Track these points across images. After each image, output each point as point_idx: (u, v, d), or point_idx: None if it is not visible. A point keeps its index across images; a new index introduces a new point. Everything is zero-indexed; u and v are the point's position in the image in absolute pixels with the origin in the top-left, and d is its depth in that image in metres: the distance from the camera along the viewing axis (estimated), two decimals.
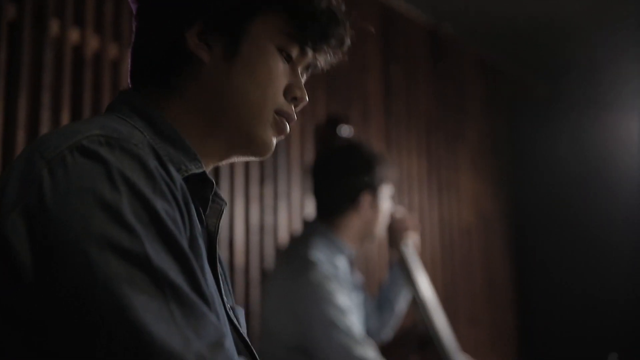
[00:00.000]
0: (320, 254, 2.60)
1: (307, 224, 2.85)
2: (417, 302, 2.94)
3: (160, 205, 1.00)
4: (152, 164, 1.03)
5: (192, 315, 0.96)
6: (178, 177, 1.09)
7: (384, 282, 3.10)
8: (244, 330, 1.28)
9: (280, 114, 1.23)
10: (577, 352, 4.68)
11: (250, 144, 1.23)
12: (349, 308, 2.57)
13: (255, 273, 3.26)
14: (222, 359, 0.94)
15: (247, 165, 3.31)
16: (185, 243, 1.02)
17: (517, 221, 5.15)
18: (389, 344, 3.03)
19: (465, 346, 4.54)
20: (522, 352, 4.99)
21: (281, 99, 1.23)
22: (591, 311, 4.75)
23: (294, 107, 1.26)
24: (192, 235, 1.07)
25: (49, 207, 0.96)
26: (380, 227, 2.77)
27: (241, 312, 1.31)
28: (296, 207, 3.52)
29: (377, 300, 3.00)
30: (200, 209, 1.19)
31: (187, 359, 0.92)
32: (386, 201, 2.76)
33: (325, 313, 2.52)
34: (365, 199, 2.69)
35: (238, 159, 1.28)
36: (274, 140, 1.25)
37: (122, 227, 0.96)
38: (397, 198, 4.16)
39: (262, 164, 3.38)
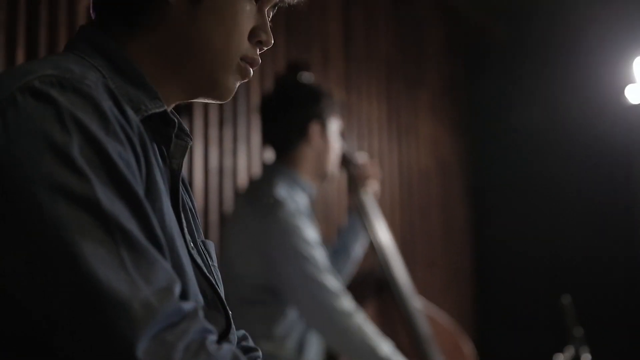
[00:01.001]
0: (283, 192, 2.61)
1: (266, 166, 2.86)
2: (374, 248, 2.97)
3: (112, 147, 0.98)
4: (106, 104, 1.01)
5: (142, 260, 0.95)
6: (134, 118, 1.07)
7: (341, 228, 3.12)
8: (215, 263, 1.29)
9: (245, 59, 1.22)
10: (532, 295, 4.77)
11: (213, 89, 1.22)
12: (317, 242, 2.59)
13: (214, 216, 3.26)
14: (170, 306, 0.94)
15: (205, 107, 3.29)
16: (138, 187, 1.01)
17: (476, 166, 5.20)
18: (347, 288, 3.06)
19: (422, 289, 4.60)
20: (478, 294, 5.07)
21: (246, 44, 1.21)
22: (546, 254, 4.83)
23: (259, 51, 1.24)
24: (150, 178, 1.06)
25: None
26: (332, 161, 2.78)
27: (211, 246, 1.31)
28: (255, 151, 3.51)
29: (334, 247, 3.02)
30: (163, 147, 1.18)
31: (133, 305, 0.91)
32: (335, 135, 2.77)
33: (293, 247, 2.53)
34: (315, 129, 2.69)
35: (199, 100, 1.27)
36: (237, 85, 1.23)
37: (72, 170, 0.94)
38: (357, 143, 4.17)
39: (221, 107, 3.37)
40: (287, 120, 2.72)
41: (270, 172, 2.73)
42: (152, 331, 0.91)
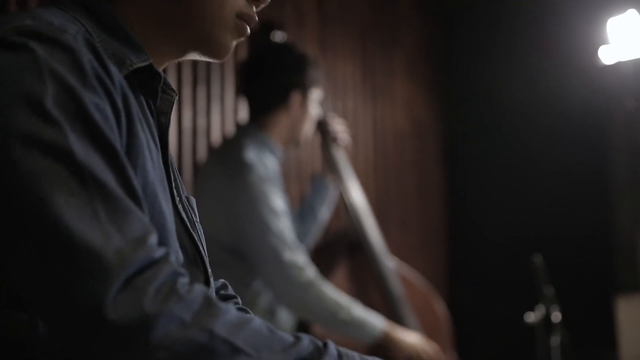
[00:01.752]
0: (253, 155, 2.61)
1: (239, 127, 2.85)
2: (346, 206, 2.98)
3: (89, 98, 0.97)
4: (86, 57, 1.00)
5: (116, 211, 0.94)
6: (116, 72, 1.06)
7: (309, 191, 3.13)
8: (197, 219, 1.29)
9: (241, 16, 1.19)
10: (505, 255, 4.81)
11: (210, 48, 1.20)
12: (283, 211, 2.59)
13: (187, 175, 3.26)
14: (143, 255, 0.93)
15: (179, 66, 3.27)
16: (115, 139, 1.00)
17: (451, 127, 5.20)
18: (319, 249, 3.08)
19: (395, 249, 4.62)
20: (452, 254, 5.10)
21: (241, 1, 1.19)
22: (519, 215, 4.86)
23: (255, 8, 1.22)
24: (132, 132, 1.05)
25: None
26: (307, 130, 2.78)
27: (194, 202, 1.31)
28: (229, 110, 3.50)
29: (301, 209, 3.02)
30: (150, 102, 1.17)
31: (106, 254, 0.91)
32: (315, 105, 2.77)
33: (259, 214, 2.54)
34: (295, 98, 2.69)
35: (192, 58, 1.25)
36: (233, 44, 1.22)
37: (46, 120, 0.94)
38: (332, 103, 4.16)
39: (194, 66, 3.35)
40: (269, 85, 2.71)
41: (242, 133, 2.73)
42: (122, 279, 0.91)
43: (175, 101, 1.24)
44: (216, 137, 3.41)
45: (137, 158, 1.05)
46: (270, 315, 2.65)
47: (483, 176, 5.06)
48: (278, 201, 2.58)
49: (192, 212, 1.27)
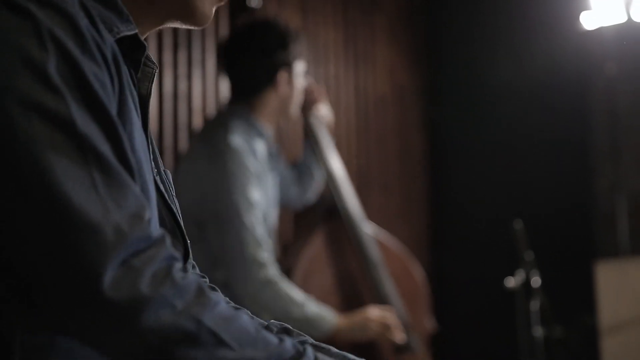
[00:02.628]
0: (239, 139, 2.59)
1: (225, 106, 2.82)
2: (324, 173, 2.98)
3: (89, 67, 0.97)
4: (83, 22, 0.99)
5: (115, 184, 0.94)
6: (109, 38, 1.05)
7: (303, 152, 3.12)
8: (174, 193, 1.28)
9: None
10: (485, 220, 4.82)
11: (190, 14, 1.20)
12: (259, 204, 2.58)
13: (169, 141, 3.25)
14: (140, 231, 0.93)
15: (160, 31, 3.24)
16: (113, 109, 1.00)
17: (433, 93, 5.20)
18: (298, 216, 3.08)
19: (376, 215, 4.63)
20: (432, 220, 5.12)
21: None
22: (500, 181, 4.88)
23: None
24: (122, 100, 1.04)
25: None
26: (296, 104, 2.77)
27: (170, 176, 1.31)
28: (210, 75, 3.48)
29: (297, 168, 3.02)
30: (132, 71, 1.15)
31: (104, 229, 0.91)
32: (300, 78, 2.75)
33: (234, 204, 2.53)
34: (283, 77, 2.67)
35: (173, 26, 1.24)
36: (213, 10, 1.22)
37: (48, 87, 0.93)
38: (313, 69, 4.15)
39: (175, 31, 3.32)
40: (254, 67, 2.68)
41: (229, 114, 2.70)
42: (120, 256, 0.91)
43: (156, 71, 1.23)
44: (197, 102, 3.39)
45: (125, 125, 1.04)
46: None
47: (464, 142, 5.07)
48: (255, 193, 2.57)
49: (169, 185, 1.27)
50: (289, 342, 1.01)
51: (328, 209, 3.00)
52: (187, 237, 1.23)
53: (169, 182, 1.27)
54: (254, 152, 2.60)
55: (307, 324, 2.57)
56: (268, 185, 2.69)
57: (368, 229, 3.02)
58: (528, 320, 2.74)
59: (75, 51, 0.96)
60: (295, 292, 2.59)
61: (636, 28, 4.13)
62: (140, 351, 0.93)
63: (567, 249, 4.52)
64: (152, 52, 3.16)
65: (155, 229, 0.98)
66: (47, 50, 0.94)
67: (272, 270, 2.55)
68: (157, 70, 1.22)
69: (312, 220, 3.00)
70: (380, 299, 2.84)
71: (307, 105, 2.98)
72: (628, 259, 3.98)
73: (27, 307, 0.97)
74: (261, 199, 2.60)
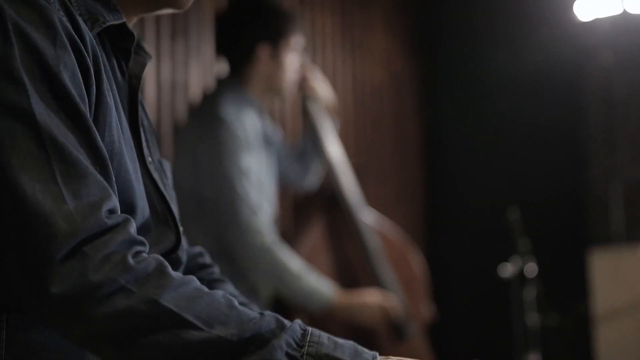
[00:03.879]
0: (229, 110, 2.60)
1: (219, 81, 2.84)
2: (323, 160, 2.98)
3: (55, 58, 0.97)
4: (56, 15, 0.99)
5: (73, 174, 0.94)
6: (87, 31, 1.05)
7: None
8: (169, 182, 1.29)
9: None
10: (481, 208, 4.84)
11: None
12: (252, 171, 2.59)
13: (166, 129, 3.25)
14: (95, 220, 0.93)
15: (157, 19, 3.24)
16: (82, 99, 0.99)
17: (430, 81, 5.20)
18: (296, 203, 3.08)
19: (373, 203, 4.63)
20: (429, 208, 5.12)
21: None
22: (495, 169, 4.89)
23: None
24: (100, 91, 1.04)
25: None
26: (286, 80, 2.76)
27: (167, 166, 1.31)
28: (208, 63, 3.48)
29: (299, 148, 3.02)
30: (122, 62, 1.16)
31: (56, 219, 0.91)
32: (290, 54, 2.74)
33: (225, 172, 2.54)
34: (262, 51, 2.67)
35: (159, 13, 1.25)
36: None
37: (9, 80, 0.93)
38: (311, 57, 4.14)
39: (173, 19, 3.32)
40: (236, 39, 2.70)
41: (221, 88, 2.72)
42: (70, 246, 0.91)
43: (150, 61, 1.23)
44: (195, 91, 3.39)
45: (104, 116, 1.04)
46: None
47: (460, 131, 5.07)
48: (248, 159, 2.57)
49: (164, 174, 1.27)
50: (269, 317, 0.98)
51: (327, 196, 3.00)
52: (179, 225, 1.22)
53: (165, 171, 1.28)
54: (244, 122, 2.61)
55: (303, 296, 2.57)
56: (262, 155, 2.69)
57: (367, 216, 3.02)
58: (523, 308, 2.75)
59: (42, 43, 0.96)
60: (293, 262, 2.58)
61: (631, 18, 4.14)
62: (99, 338, 0.92)
63: (561, 237, 4.54)
64: (149, 40, 3.17)
65: (115, 216, 0.96)
66: (12, 43, 0.94)
67: (269, 238, 2.55)
68: (151, 59, 1.24)
69: (311, 208, 3.00)
70: (379, 287, 2.85)
71: (302, 89, 2.97)
72: (622, 247, 4.00)
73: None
74: (255, 165, 2.60)
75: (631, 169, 4.51)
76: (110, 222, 0.94)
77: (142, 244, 0.98)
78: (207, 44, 3.46)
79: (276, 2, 2.77)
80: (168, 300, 0.93)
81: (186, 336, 0.92)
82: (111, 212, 0.96)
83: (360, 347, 1.00)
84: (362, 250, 2.89)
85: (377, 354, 1.00)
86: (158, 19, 3.23)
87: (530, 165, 4.77)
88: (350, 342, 1.01)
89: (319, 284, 2.60)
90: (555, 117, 4.72)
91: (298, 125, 3.86)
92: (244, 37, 2.68)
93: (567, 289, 4.05)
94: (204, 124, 2.61)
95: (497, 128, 4.90)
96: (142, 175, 1.14)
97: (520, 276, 2.80)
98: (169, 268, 0.97)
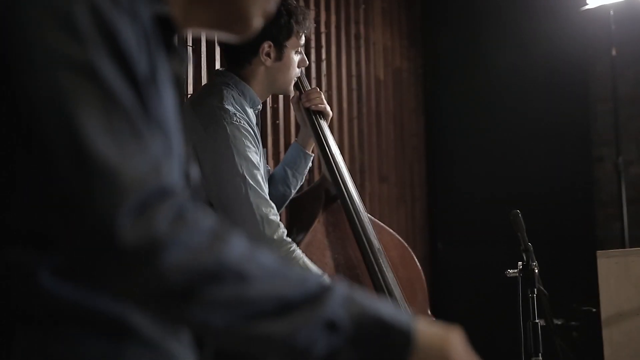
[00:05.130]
0: (231, 106, 2.57)
1: (218, 74, 2.80)
2: (324, 160, 2.93)
3: (117, 20, 0.97)
4: None
5: (135, 134, 0.96)
6: (146, 11, 1.04)
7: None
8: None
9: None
10: (485, 208, 4.79)
11: (239, 25, 1.20)
12: (257, 162, 2.56)
13: None
14: (157, 181, 0.95)
15: None
16: (140, 64, 1.00)
17: (430, 77, 5.15)
18: (298, 203, 3.04)
19: (373, 203, 4.59)
20: (430, 208, 5.08)
21: None
22: (499, 167, 4.84)
23: None
24: (153, 63, 1.04)
25: (2, 11, 0.95)
26: (288, 79, 2.72)
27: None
28: (203, 60, 3.43)
29: (274, 174, 2.97)
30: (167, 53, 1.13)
31: (121, 175, 0.92)
32: (293, 54, 2.70)
33: (237, 165, 2.50)
34: (266, 50, 2.63)
35: (211, 32, 1.24)
36: (259, 23, 1.21)
37: (75, 38, 0.94)
38: (312, 53, 4.10)
39: None
40: None
41: (220, 81, 2.67)
42: (135, 202, 0.92)
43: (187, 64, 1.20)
44: (190, 88, 3.34)
45: (157, 85, 1.05)
46: None
47: (462, 127, 5.02)
48: (255, 155, 2.54)
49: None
50: (314, 277, 1.03)
51: (327, 196, 2.95)
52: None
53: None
54: (247, 119, 2.58)
55: None
56: (261, 154, 2.66)
57: (367, 216, 2.98)
58: (528, 310, 2.71)
59: (105, 5, 0.97)
60: (312, 263, 2.56)
61: (637, 8, 4.09)
62: (164, 293, 0.94)
63: (568, 237, 4.49)
64: None
65: (173, 180, 0.99)
66: (77, 2, 0.96)
67: (281, 229, 2.52)
68: (189, 57, 1.20)
69: (311, 207, 2.95)
70: (380, 287, 2.81)
71: (310, 112, 2.90)
72: (630, 248, 3.93)
73: (46, 256, 0.98)
74: (260, 163, 2.58)
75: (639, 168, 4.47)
76: (169, 182, 0.97)
77: (196, 206, 1.00)
78: (203, 41, 3.42)
79: (290, 3, 2.71)
80: (229, 255, 0.96)
81: (248, 289, 0.96)
82: (168, 174, 0.98)
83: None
84: (363, 250, 2.85)
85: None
86: None
87: (536, 163, 4.72)
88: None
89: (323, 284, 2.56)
90: (564, 112, 4.67)
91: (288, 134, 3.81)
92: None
93: (574, 291, 4.00)
94: (207, 119, 2.56)
95: (502, 125, 4.85)
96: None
97: (526, 277, 2.74)
98: (224, 225, 1.01)
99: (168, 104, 1.09)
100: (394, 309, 1.05)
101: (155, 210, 0.93)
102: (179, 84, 1.19)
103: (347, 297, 1.02)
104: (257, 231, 2.50)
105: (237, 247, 0.98)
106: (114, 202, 0.91)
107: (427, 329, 1.06)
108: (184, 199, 0.97)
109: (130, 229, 0.91)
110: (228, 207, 2.54)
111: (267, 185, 2.74)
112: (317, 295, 1.00)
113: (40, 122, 0.93)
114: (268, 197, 2.55)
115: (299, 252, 2.54)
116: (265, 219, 2.50)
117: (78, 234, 0.93)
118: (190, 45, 3.37)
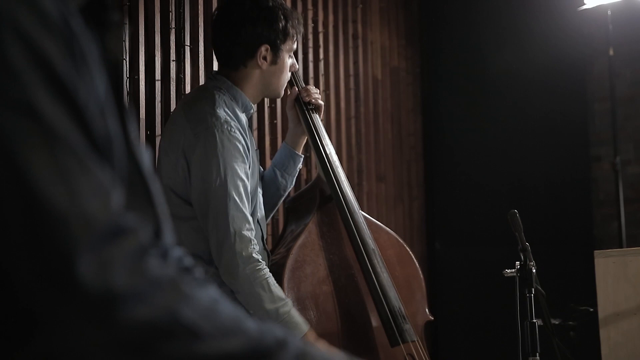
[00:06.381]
0: (224, 113, 2.56)
1: (210, 79, 2.78)
2: (318, 160, 2.92)
3: (50, 46, 0.92)
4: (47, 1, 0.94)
5: (81, 169, 0.91)
6: (74, 8, 1.00)
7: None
8: (147, 165, 1.24)
9: None
10: (483, 206, 4.79)
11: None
12: (246, 176, 2.55)
13: (159, 126, 3.20)
14: (108, 219, 0.90)
15: (151, 15, 3.18)
16: (80, 89, 0.95)
17: (428, 76, 5.15)
18: (293, 203, 3.03)
19: (371, 202, 4.59)
20: (428, 207, 5.08)
21: None
22: (498, 167, 4.83)
23: None
24: (88, 73, 0.99)
25: None
26: (281, 83, 2.71)
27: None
28: (201, 59, 3.43)
29: (277, 158, 2.96)
30: (103, 37, 1.09)
31: (71, 219, 0.88)
32: (287, 57, 2.70)
33: (221, 175, 2.49)
34: (264, 54, 2.62)
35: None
36: None
37: (8, 75, 0.90)
38: (310, 53, 4.10)
39: (164, 14, 3.26)
40: (236, 39, 2.63)
41: (213, 85, 2.66)
42: (89, 247, 0.88)
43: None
44: (188, 88, 3.34)
45: (94, 100, 0.99)
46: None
47: (460, 127, 5.02)
48: (243, 168, 2.53)
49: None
50: (271, 332, 0.98)
51: (322, 196, 2.95)
52: (158, 210, 1.16)
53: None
54: (240, 127, 2.57)
55: (277, 322, 2.50)
56: (253, 161, 2.65)
57: (364, 215, 2.97)
58: (526, 309, 2.71)
59: (35, 32, 0.92)
60: (277, 287, 2.53)
61: (634, 8, 4.09)
62: (117, 346, 0.91)
63: (565, 237, 4.48)
64: (142, 37, 3.11)
65: (126, 216, 0.94)
66: (5, 34, 0.90)
67: (256, 248, 2.51)
68: (123, 28, 1.17)
69: (306, 207, 2.94)
70: (374, 288, 2.80)
71: (304, 107, 2.89)
72: (627, 247, 3.93)
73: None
74: (247, 176, 2.57)
75: (636, 168, 4.46)
76: (124, 222, 0.92)
77: (156, 245, 0.97)
78: (200, 40, 3.42)
79: (280, 3, 2.70)
80: (186, 311, 0.93)
81: (199, 348, 0.93)
82: (121, 206, 0.94)
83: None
84: (356, 251, 2.84)
85: None
86: (152, 16, 3.18)
87: (535, 163, 4.72)
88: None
89: (296, 317, 2.54)
90: (558, 114, 4.66)
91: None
92: (246, 37, 2.62)
93: (571, 290, 3.99)
94: (195, 122, 2.55)
95: (497, 125, 4.84)
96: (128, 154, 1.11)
97: (523, 277, 2.74)
98: (185, 273, 0.98)
99: (100, 91, 1.03)
100: None
101: (111, 255, 0.90)
102: (116, 66, 1.13)
103: (300, 355, 0.99)
104: (228, 244, 2.49)
105: (195, 302, 0.94)
106: (68, 247, 0.88)
107: None
108: (143, 239, 0.94)
109: (87, 273, 0.88)
110: (206, 214, 2.52)
111: (260, 190, 2.73)
112: (270, 353, 0.96)
113: None
114: (247, 212, 2.53)
115: (265, 271, 2.50)
116: (238, 233, 2.48)
117: (38, 285, 0.89)
118: (189, 45, 3.37)
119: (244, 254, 2.49)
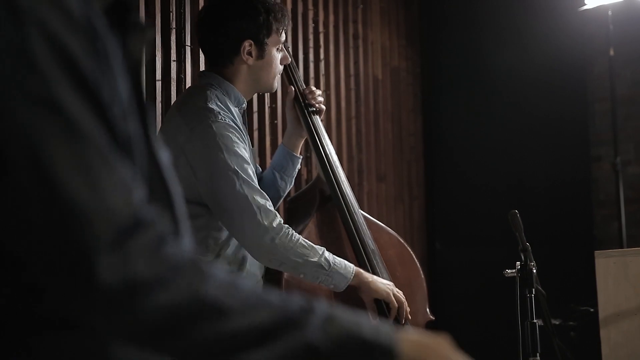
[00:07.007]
0: (215, 106, 2.56)
1: (201, 75, 2.79)
2: (318, 161, 2.92)
3: (75, 45, 0.94)
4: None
5: (105, 166, 0.92)
6: (97, 8, 1.01)
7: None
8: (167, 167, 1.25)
9: None
10: (483, 207, 4.78)
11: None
12: (249, 157, 2.56)
13: (159, 126, 3.19)
14: (129, 213, 0.92)
15: (151, 14, 3.18)
16: (103, 87, 0.97)
17: (427, 75, 5.14)
18: (292, 203, 3.03)
19: (371, 202, 4.59)
20: (428, 207, 5.08)
21: None
22: (498, 167, 4.83)
23: None
24: (112, 74, 1.00)
25: None
26: (272, 77, 2.71)
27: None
28: (202, 58, 3.43)
29: (275, 160, 2.96)
30: (126, 37, 1.10)
31: (93, 214, 0.90)
32: (275, 51, 2.69)
33: (227, 161, 2.49)
34: (247, 48, 2.62)
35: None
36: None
37: (33, 72, 0.91)
38: (310, 53, 4.09)
39: (165, 14, 3.26)
40: (221, 35, 2.64)
41: (204, 82, 2.67)
42: (111, 241, 0.90)
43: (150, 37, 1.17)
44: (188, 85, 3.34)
45: (119, 102, 1.01)
46: (238, 264, 2.62)
47: (460, 127, 5.02)
48: (241, 146, 2.54)
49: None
50: (294, 300, 1.00)
51: (322, 196, 2.94)
52: (179, 216, 1.18)
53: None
54: (233, 117, 2.57)
55: (327, 270, 2.54)
56: (250, 153, 2.66)
57: (364, 215, 2.97)
58: (526, 310, 2.71)
59: (62, 29, 0.93)
60: (309, 241, 2.56)
61: (635, 8, 4.09)
62: (145, 333, 0.93)
63: (566, 237, 4.48)
64: None
65: (146, 210, 0.96)
66: (29, 32, 0.91)
67: (277, 218, 2.53)
68: (150, 33, 1.18)
69: (306, 207, 2.94)
70: None
71: (305, 108, 2.89)
72: (628, 248, 3.93)
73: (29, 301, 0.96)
74: (250, 159, 2.58)
75: (636, 168, 4.46)
76: (143, 215, 0.94)
77: (173, 236, 0.98)
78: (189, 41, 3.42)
79: (267, 1, 2.70)
80: (209, 291, 0.95)
81: (228, 324, 0.94)
82: (141, 203, 0.96)
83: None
84: (356, 251, 2.84)
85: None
86: (152, 14, 3.18)
87: (535, 163, 4.72)
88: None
89: (339, 259, 2.58)
90: (558, 114, 4.66)
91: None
92: (229, 33, 2.62)
93: (572, 290, 3.99)
94: (190, 117, 2.56)
95: (498, 125, 4.84)
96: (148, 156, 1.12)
97: (524, 277, 2.74)
98: (200, 258, 0.99)
99: (123, 91, 1.04)
100: (376, 325, 1.03)
101: (132, 247, 0.92)
102: (138, 65, 1.14)
103: (327, 318, 1.00)
104: (255, 222, 2.50)
105: (216, 281, 0.96)
106: (90, 243, 0.90)
107: (412, 340, 1.04)
108: (160, 231, 0.95)
109: (108, 268, 0.90)
110: (223, 203, 2.53)
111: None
112: (298, 320, 0.98)
113: (7, 164, 0.90)
114: (261, 189, 2.55)
115: (294, 231, 2.54)
116: (263, 208, 2.50)
117: (58, 278, 0.91)
118: (189, 45, 3.37)
119: (274, 225, 2.50)
